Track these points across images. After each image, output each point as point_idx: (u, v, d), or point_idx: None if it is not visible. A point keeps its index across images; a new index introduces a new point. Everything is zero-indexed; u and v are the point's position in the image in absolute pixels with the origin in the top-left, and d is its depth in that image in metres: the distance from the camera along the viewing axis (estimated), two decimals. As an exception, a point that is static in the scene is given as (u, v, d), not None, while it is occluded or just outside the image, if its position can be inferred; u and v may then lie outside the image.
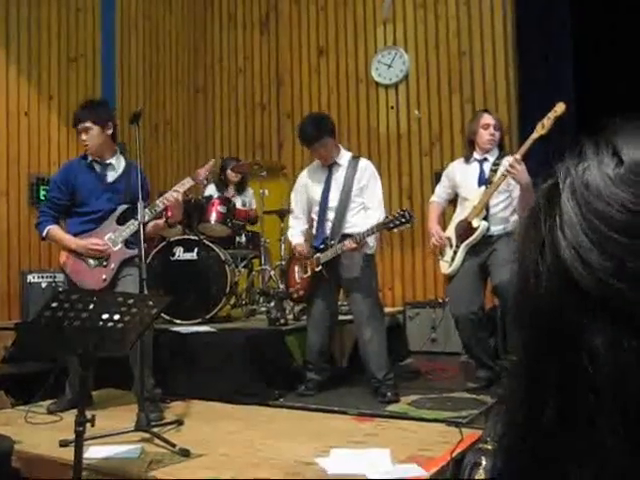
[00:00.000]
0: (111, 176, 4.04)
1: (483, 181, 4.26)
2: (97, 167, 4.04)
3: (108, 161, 4.05)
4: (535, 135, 3.96)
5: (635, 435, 0.41)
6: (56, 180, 4.13)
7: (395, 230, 4.03)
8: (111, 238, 3.92)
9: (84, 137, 3.95)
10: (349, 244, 4.04)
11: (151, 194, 4.37)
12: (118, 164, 4.08)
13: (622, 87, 5.40)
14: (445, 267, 4.39)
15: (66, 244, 3.93)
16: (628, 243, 0.42)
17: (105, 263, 3.91)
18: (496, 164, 4.24)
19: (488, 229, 4.18)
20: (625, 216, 0.42)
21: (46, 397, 3.99)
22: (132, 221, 3.88)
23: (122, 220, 3.95)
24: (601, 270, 0.42)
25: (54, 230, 3.96)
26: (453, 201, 4.56)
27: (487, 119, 4.34)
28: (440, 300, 6.26)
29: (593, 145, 0.47)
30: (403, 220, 3.92)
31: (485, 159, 4.32)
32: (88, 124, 3.94)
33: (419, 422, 3.54)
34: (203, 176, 4.12)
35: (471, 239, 4.21)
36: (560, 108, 3.88)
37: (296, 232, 4.45)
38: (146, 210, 3.76)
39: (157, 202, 3.89)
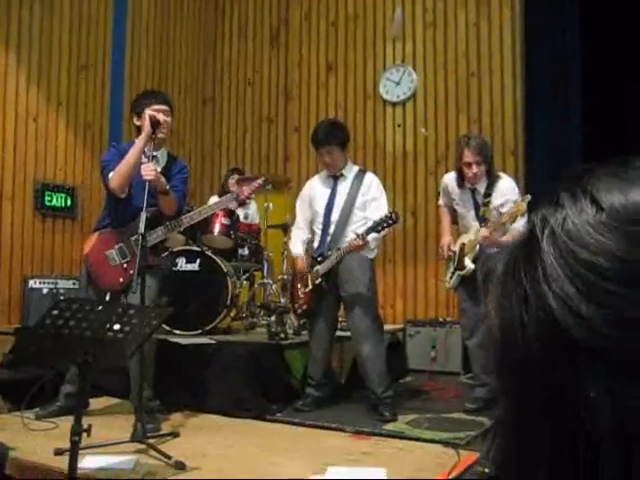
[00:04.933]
0: None
1: (479, 216, 4.31)
2: (143, 156, 3.75)
3: (155, 153, 3.82)
4: (503, 219, 4.03)
5: None
6: (112, 150, 3.96)
7: (383, 232, 4.05)
8: (138, 240, 3.77)
9: (165, 117, 3.82)
10: (355, 241, 4.01)
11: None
12: (162, 158, 3.91)
13: (631, 111, 5.41)
14: (446, 283, 4.51)
15: (135, 151, 3.68)
16: (618, 291, 0.41)
17: (126, 265, 3.79)
18: (487, 195, 4.26)
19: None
20: (613, 264, 0.42)
21: (44, 403, 3.97)
22: (161, 228, 3.80)
23: (152, 224, 3.73)
24: (592, 319, 0.41)
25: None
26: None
27: (467, 157, 4.21)
28: (441, 319, 6.25)
29: (569, 193, 0.47)
30: (390, 222, 3.95)
31: (475, 189, 4.34)
32: (168, 108, 3.87)
33: (416, 442, 3.52)
34: (246, 195, 4.04)
35: (462, 273, 4.32)
36: (522, 208, 3.92)
37: (297, 241, 4.43)
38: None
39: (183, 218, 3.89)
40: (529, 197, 3.99)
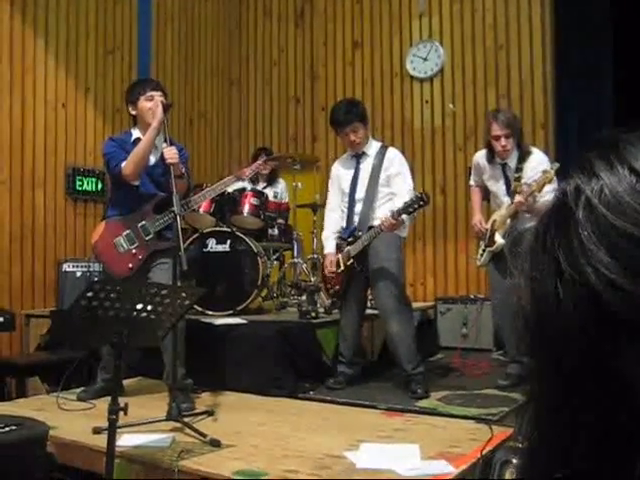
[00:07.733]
0: (152, 159, 3.86)
1: (510, 191, 4.26)
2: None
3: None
4: (532, 188, 3.94)
5: None
6: (111, 142, 3.94)
7: (415, 213, 4.02)
8: (144, 226, 3.83)
9: (152, 105, 3.80)
10: (388, 220, 3.94)
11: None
12: (159, 145, 3.85)
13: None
14: (477, 261, 4.50)
15: (150, 137, 3.71)
16: None
17: (134, 251, 3.83)
18: (519, 169, 4.21)
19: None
20: None
21: (80, 384, 4.06)
22: (167, 212, 3.75)
23: (158, 209, 3.84)
24: (634, 292, 0.40)
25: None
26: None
27: (496, 130, 4.19)
28: (472, 296, 6.22)
29: (604, 161, 0.44)
30: (421, 203, 3.91)
31: (505, 164, 4.30)
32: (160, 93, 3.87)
33: (449, 418, 3.51)
34: (248, 175, 4.09)
35: (491, 249, 4.30)
36: (550, 175, 3.88)
37: (330, 233, 4.37)
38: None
39: (192, 199, 3.92)
40: (557, 165, 3.93)
